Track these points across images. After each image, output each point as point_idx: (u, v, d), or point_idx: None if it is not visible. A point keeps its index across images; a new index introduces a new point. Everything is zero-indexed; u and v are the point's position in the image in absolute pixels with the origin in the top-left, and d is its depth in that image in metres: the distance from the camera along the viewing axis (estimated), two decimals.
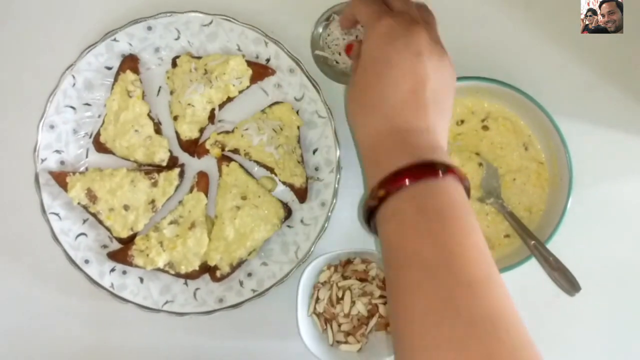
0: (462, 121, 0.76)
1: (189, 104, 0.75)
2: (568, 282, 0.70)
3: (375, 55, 0.59)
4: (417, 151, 0.55)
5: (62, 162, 0.77)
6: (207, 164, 0.78)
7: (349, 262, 0.76)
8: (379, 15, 0.60)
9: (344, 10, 0.70)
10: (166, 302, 0.76)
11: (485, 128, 0.76)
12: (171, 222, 0.76)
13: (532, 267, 0.71)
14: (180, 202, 0.77)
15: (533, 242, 0.71)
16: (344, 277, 0.75)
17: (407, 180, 0.53)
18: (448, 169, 0.53)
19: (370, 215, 0.56)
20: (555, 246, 0.71)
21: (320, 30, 0.74)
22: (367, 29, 0.61)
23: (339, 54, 0.75)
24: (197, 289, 0.77)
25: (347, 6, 0.67)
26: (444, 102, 0.59)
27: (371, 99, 0.58)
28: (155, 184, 0.76)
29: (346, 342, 0.74)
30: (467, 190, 0.56)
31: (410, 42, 0.58)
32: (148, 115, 0.77)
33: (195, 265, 0.75)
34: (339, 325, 0.74)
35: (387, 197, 0.53)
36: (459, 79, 0.71)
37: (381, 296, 0.74)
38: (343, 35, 0.74)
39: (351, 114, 0.61)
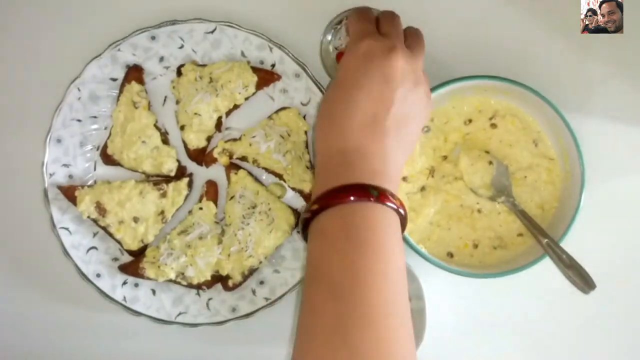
0: (470, 120, 0.75)
1: (195, 113, 0.74)
2: (582, 280, 0.69)
3: (349, 73, 0.60)
4: (358, 173, 0.57)
5: (70, 176, 0.77)
6: (215, 172, 0.78)
7: None
8: (363, 34, 0.61)
9: (349, 21, 0.70)
10: (179, 314, 0.76)
11: (493, 126, 0.75)
12: (181, 233, 0.76)
13: (546, 266, 0.70)
14: (189, 212, 0.77)
15: (546, 240, 0.70)
16: None
17: (339, 199, 0.55)
18: (383, 196, 0.55)
19: (305, 227, 0.57)
20: (568, 244, 0.70)
21: (329, 37, 0.74)
22: (349, 45, 0.62)
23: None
24: (209, 299, 0.76)
25: (349, 19, 0.69)
26: (406, 133, 0.60)
27: (335, 115, 0.60)
28: (164, 195, 0.76)
29: None
30: (402, 220, 0.57)
31: (383, 67, 0.59)
32: (155, 125, 0.76)
33: (207, 275, 0.75)
34: None
35: (320, 212, 0.55)
36: (466, 78, 0.71)
37: None
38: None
39: (316, 125, 0.63)
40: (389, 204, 0.56)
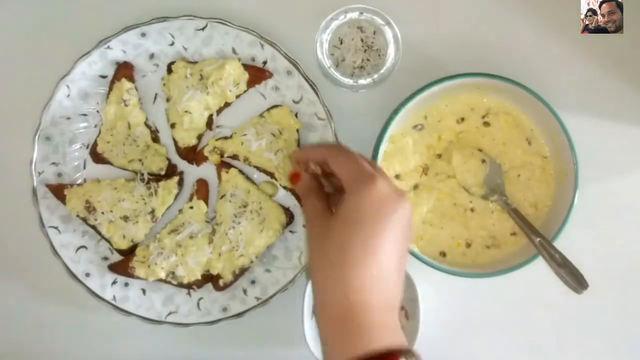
0: (462, 119, 0.75)
1: (185, 111, 0.74)
2: (575, 280, 0.69)
3: (359, 218, 0.57)
4: (385, 335, 0.54)
5: (59, 175, 0.76)
6: (206, 171, 0.77)
7: None
8: (372, 175, 0.58)
9: (313, 151, 0.66)
10: (170, 313, 0.75)
11: (486, 124, 0.75)
12: (171, 232, 0.75)
13: (540, 265, 0.70)
14: (180, 211, 0.76)
15: (538, 239, 0.70)
16: None
17: None
18: (411, 354, 0.53)
19: None
20: (561, 243, 0.70)
21: (324, 36, 0.73)
22: (352, 187, 0.58)
23: (337, 65, 0.75)
24: (200, 298, 0.76)
25: (320, 150, 0.64)
26: (403, 275, 0.59)
27: (345, 263, 0.56)
28: (154, 194, 0.75)
29: None
30: None
31: (401, 216, 0.57)
32: (145, 123, 0.76)
33: (198, 275, 0.74)
34: None
35: None
36: (459, 75, 0.71)
37: None
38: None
39: (317, 267, 0.58)
40: None
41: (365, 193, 0.57)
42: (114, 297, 0.75)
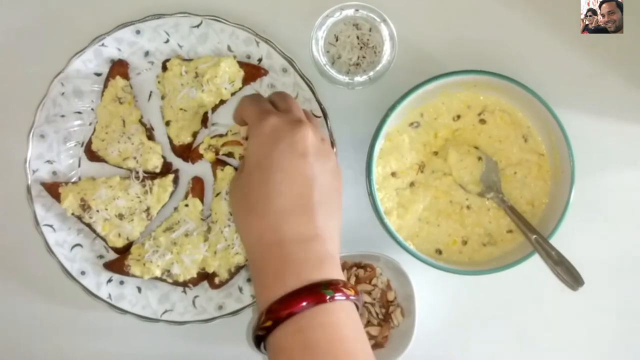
0: (459, 116, 0.75)
1: (180, 109, 0.73)
2: (571, 277, 0.69)
3: (259, 157, 0.57)
4: (304, 269, 0.53)
5: (54, 173, 0.76)
6: (201, 168, 0.77)
7: (354, 266, 0.76)
8: (263, 114, 0.58)
9: (234, 112, 0.67)
10: (165, 311, 0.75)
11: (482, 122, 0.75)
12: (167, 230, 0.75)
13: (537, 263, 0.70)
14: (175, 209, 0.76)
15: (535, 236, 0.70)
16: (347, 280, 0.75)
17: (293, 309, 0.51)
18: (337, 290, 0.52)
19: (259, 340, 0.54)
20: (558, 240, 0.70)
21: (320, 33, 0.73)
22: (251, 129, 0.59)
23: (332, 62, 0.74)
24: (196, 296, 0.76)
25: (236, 108, 0.65)
26: (332, 203, 0.58)
27: (256, 203, 0.56)
28: (149, 191, 0.75)
29: None
30: (359, 306, 0.55)
31: (295, 142, 0.56)
32: (140, 121, 0.75)
33: (193, 273, 0.74)
34: None
35: (274, 327, 0.52)
36: (455, 72, 0.70)
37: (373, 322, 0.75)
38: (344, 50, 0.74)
39: (235, 215, 0.60)
40: (344, 298, 0.53)
41: (259, 131, 0.57)
42: (110, 295, 0.75)
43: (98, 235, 0.75)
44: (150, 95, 0.77)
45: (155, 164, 0.75)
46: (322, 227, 0.56)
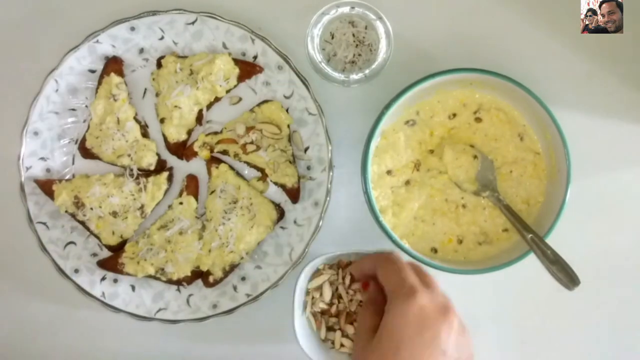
0: (454, 114, 0.75)
1: (175, 106, 0.73)
2: (567, 276, 0.69)
3: (397, 339, 0.55)
4: None
5: (47, 170, 0.75)
6: (196, 166, 0.77)
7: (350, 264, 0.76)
8: (411, 288, 0.56)
9: (363, 263, 0.66)
10: (159, 310, 0.75)
11: (478, 120, 0.75)
12: (161, 228, 0.74)
13: (532, 262, 0.70)
14: (169, 207, 0.76)
15: (530, 235, 0.70)
16: (343, 279, 0.75)
17: None
18: None
19: None
20: (554, 239, 0.70)
21: (315, 31, 0.73)
22: (393, 300, 0.57)
23: (328, 60, 0.74)
24: (190, 295, 0.75)
25: (369, 260, 0.64)
26: None
27: None
28: (143, 189, 0.74)
29: (341, 345, 0.73)
30: None
31: (440, 337, 0.55)
32: (134, 118, 0.75)
33: (187, 271, 0.74)
34: (335, 328, 0.74)
35: None
36: (451, 70, 0.70)
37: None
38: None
39: None
40: None
41: (404, 308, 0.55)
42: (103, 293, 0.75)
43: (92, 233, 0.75)
44: (144, 92, 0.77)
45: (150, 161, 0.75)
46: None
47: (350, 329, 0.73)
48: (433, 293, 0.57)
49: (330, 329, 0.73)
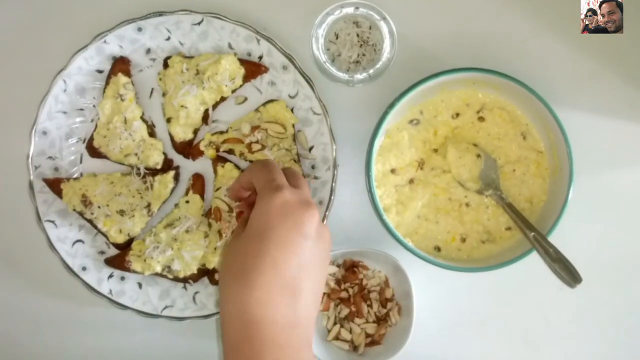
0: (458, 114, 0.75)
1: (182, 106, 0.74)
2: (569, 274, 0.69)
3: (263, 227, 0.56)
4: (282, 356, 0.53)
5: (56, 169, 0.76)
6: (202, 165, 0.77)
7: (353, 266, 0.76)
8: (276, 185, 0.58)
9: (240, 176, 0.67)
10: (165, 307, 0.76)
11: (481, 119, 0.75)
12: (167, 226, 0.75)
13: (535, 260, 0.70)
14: (176, 205, 0.76)
15: (533, 233, 0.70)
16: (344, 281, 0.75)
17: None
18: None
19: None
20: (556, 237, 0.70)
21: (320, 31, 0.73)
22: (260, 196, 0.59)
23: (333, 60, 0.75)
24: (196, 292, 0.76)
25: (245, 171, 0.65)
26: (318, 292, 0.58)
27: (247, 273, 0.55)
28: (150, 188, 0.75)
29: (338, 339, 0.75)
30: None
31: (302, 223, 0.56)
32: (141, 118, 0.76)
33: (194, 269, 0.74)
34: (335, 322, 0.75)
35: None
36: (454, 70, 0.71)
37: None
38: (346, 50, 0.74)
39: (221, 279, 0.58)
40: None
41: (269, 202, 0.57)
42: (110, 291, 0.76)
43: (99, 231, 0.76)
44: (151, 92, 0.77)
45: (156, 160, 0.76)
46: (305, 315, 0.56)
47: (354, 324, 0.74)
48: (299, 192, 0.59)
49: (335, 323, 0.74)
